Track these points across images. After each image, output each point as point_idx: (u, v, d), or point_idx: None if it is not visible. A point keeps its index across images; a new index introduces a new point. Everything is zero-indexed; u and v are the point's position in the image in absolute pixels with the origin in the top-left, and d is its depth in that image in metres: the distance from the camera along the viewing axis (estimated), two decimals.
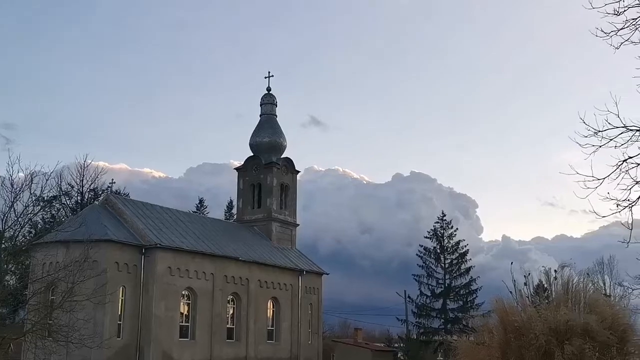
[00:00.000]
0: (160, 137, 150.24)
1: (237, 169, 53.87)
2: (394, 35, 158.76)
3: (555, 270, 16.22)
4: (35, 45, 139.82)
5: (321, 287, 51.53)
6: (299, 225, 53.89)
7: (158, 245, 37.64)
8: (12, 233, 28.45)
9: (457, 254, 58.83)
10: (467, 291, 57.93)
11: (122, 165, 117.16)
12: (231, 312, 42.99)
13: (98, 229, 35.83)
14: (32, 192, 27.85)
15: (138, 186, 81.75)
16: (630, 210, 11.05)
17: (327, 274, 52.97)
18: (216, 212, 68.07)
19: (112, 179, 47.21)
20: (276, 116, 54.96)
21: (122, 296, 36.15)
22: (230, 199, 66.39)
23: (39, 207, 42.58)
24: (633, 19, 10.41)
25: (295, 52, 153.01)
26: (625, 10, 10.36)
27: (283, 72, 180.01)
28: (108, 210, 39.56)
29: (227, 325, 42.28)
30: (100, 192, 51.70)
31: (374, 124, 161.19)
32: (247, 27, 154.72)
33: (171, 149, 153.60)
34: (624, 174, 10.96)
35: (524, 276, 16.33)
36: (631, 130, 10.91)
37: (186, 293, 39.68)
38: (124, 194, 53.72)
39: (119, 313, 35.93)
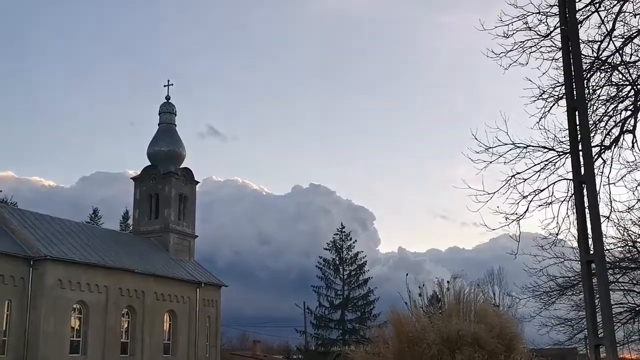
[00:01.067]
0: (49, 144, 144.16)
1: (133, 178, 52.56)
2: (292, 40, 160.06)
3: (448, 281, 16.79)
4: None
5: (220, 300, 50.96)
6: (197, 236, 53.14)
7: (48, 257, 36.14)
8: None
9: (356, 265, 59.72)
10: (365, 302, 58.84)
11: (8, 173, 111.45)
12: (126, 325, 41.75)
13: None
14: None
15: (26, 195, 77.87)
16: (518, 223, 11.55)
17: (226, 286, 52.46)
18: (111, 223, 66.07)
19: None
20: (175, 125, 54.12)
21: (7, 311, 34.48)
22: (126, 210, 64.77)
23: None
24: (520, 42, 10.97)
25: (193, 60, 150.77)
26: (513, 34, 10.90)
27: (180, 80, 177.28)
28: None
29: (122, 340, 41.02)
30: None
31: (272, 134, 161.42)
32: (143, 33, 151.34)
33: (61, 157, 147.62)
34: (512, 188, 11.46)
35: (419, 287, 16.80)
36: (519, 147, 11.43)
37: (77, 307, 38.29)
38: (11, 203, 51.11)
39: (4, 329, 34.23)
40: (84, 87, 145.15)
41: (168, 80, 54.26)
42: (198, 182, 54.37)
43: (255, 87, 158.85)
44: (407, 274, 16.94)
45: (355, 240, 61.05)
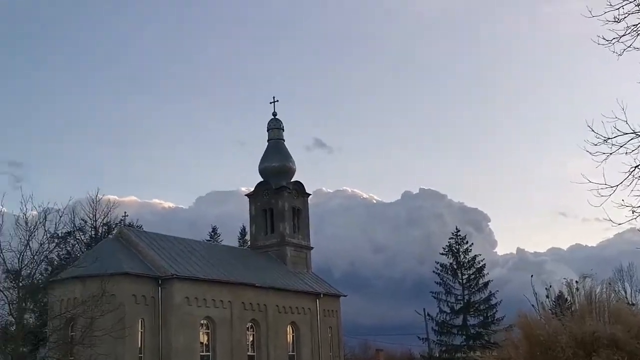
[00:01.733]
0: (167, 168, 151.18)
1: (248, 195, 53.93)
2: (393, 53, 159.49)
3: (577, 281, 16.08)
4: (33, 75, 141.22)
5: (339, 309, 51.24)
6: (313, 248, 53.77)
7: (174, 275, 37.59)
8: (29, 271, 28.63)
9: (474, 269, 58.45)
10: (486, 306, 57.46)
11: (131, 198, 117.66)
12: (251, 339, 42.76)
13: (113, 262, 35.91)
14: (46, 229, 28.10)
15: (148, 218, 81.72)
16: None
17: (345, 296, 52.71)
18: (229, 239, 68.03)
19: (125, 212, 47.50)
20: (284, 140, 55.13)
21: (141, 329, 36.00)
22: (243, 226, 66.37)
23: (54, 244, 42.86)
24: (634, 25, 10.42)
25: (294, 76, 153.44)
26: (625, 17, 10.37)
27: (284, 97, 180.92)
28: (122, 243, 39.64)
29: (248, 353, 42.03)
30: (113, 226, 51.80)
31: (378, 142, 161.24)
32: (244, 55, 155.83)
33: (178, 180, 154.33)
34: (636, 180, 10.88)
35: (545, 288, 16.19)
36: None
37: (205, 322, 39.52)
38: (137, 226, 53.80)
39: (139, 346, 35.74)
40: (192, 109, 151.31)
41: (274, 97, 55.32)
42: (309, 195, 55.11)
43: (357, 95, 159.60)
44: (531, 276, 16.40)
45: (472, 244, 59.84)
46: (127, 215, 48.31)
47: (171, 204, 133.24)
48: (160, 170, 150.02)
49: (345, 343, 63.23)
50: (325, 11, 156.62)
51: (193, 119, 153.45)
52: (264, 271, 46.72)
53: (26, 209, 27.68)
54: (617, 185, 10.94)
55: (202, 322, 39.23)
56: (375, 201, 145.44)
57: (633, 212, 10.96)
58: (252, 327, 42.81)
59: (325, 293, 49.58)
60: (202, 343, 39.18)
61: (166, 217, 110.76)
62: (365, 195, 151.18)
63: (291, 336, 46.20)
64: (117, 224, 50.46)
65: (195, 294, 38.67)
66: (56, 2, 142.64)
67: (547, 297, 16.02)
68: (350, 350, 73.19)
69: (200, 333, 39.17)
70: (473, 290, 58.01)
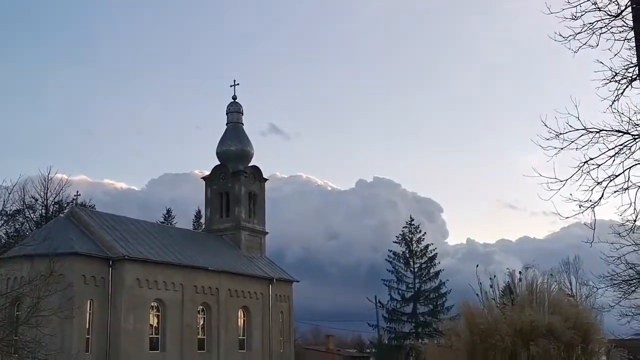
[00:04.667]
0: (118, 148, 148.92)
1: (204, 178, 53.53)
2: (350, 41, 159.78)
3: (520, 272, 16.41)
4: None
5: (292, 295, 51.39)
6: (267, 233, 53.70)
7: (126, 257, 37.16)
8: None
9: (426, 258, 59.09)
10: (436, 295, 58.19)
11: (81, 177, 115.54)
12: (201, 322, 42.57)
13: (64, 242, 35.28)
14: None
15: (100, 198, 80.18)
16: (593, 210, 11.19)
17: (298, 281, 52.87)
18: (183, 222, 67.50)
19: (77, 191, 46.42)
20: (242, 124, 54.81)
21: (89, 310, 35.54)
22: (198, 209, 65.97)
23: (2, 222, 41.95)
24: (590, 24, 10.59)
25: (251, 61, 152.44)
26: (582, 15, 10.53)
27: (240, 81, 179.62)
28: (74, 223, 38.97)
29: (198, 336, 41.85)
30: (65, 205, 50.86)
31: (334, 130, 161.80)
32: (200, 38, 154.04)
33: (130, 161, 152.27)
34: (585, 175, 11.10)
35: (490, 278, 16.47)
36: (591, 132, 11.05)
37: (155, 305, 39.21)
38: (90, 206, 52.92)
39: (87, 327, 35.30)
40: (148, 92, 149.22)
41: (234, 80, 54.93)
42: (266, 180, 54.94)
43: (313, 83, 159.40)
44: (477, 265, 16.63)
45: (425, 233, 60.45)
46: (80, 195, 47.46)
47: (123, 185, 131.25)
48: (111, 150, 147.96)
49: (297, 328, 63.68)
50: None
51: (146, 101, 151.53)
52: (218, 255, 46.51)
53: None
54: (567, 180, 11.14)
55: (152, 304, 38.91)
56: (330, 188, 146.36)
57: (580, 206, 11.17)
58: (203, 310, 42.62)
59: (278, 278, 49.62)
60: (151, 325, 38.86)
61: (118, 197, 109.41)
62: (320, 182, 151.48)
63: (242, 320, 46.15)
64: (68, 203, 49.60)
65: (146, 275, 38.31)
66: None
67: (491, 287, 16.32)
68: (301, 335, 73.76)
69: (150, 315, 38.85)
70: (424, 279, 58.66)
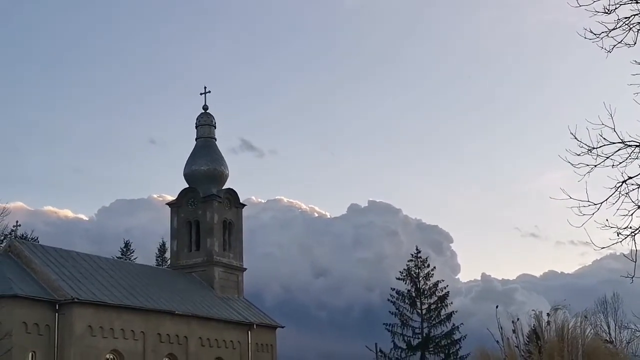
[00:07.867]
0: (62, 171, 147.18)
1: (169, 204, 53.42)
2: (351, 38, 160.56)
3: (548, 314, 16.33)
4: None
5: (275, 343, 51.09)
6: (246, 269, 53.48)
7: (75, 299, 36.92)
8: None
9: (436, 297, 58.90)
10: (448, 342, 57.96)
11: (18, 204, 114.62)
12: None
13: (1, 283, 35.14)
14: None
15: (42, 229, 79.50)
16: (633, 239, 11.09)
17: (282, 327, 52.55)
18: (145, 257, 67.12)
19: (17, 221, 46.07)
20: (215, 139, 54.78)
21: None
22: (162, 241, 65.67)
23: None
24: (626, 18, 10.58)
25: (217, 66, 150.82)
26: (616, 8, 10.53)
27: (205, 89, 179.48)
28: (12, 259, 38.76)
29: None
30: (1, 238, 50.40)
31: (319, 146, 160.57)
32: (162, 42, 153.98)
33: (74, 184, 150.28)
34: (623, 197, 11.02)
35: (512, 322, 16.36)
36: (630, 146, 10.98)
37: (111, 357, 38.95)
38: (32, 239, 52.54)
39: None
40: (90, 103, 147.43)
41: (205, 87, 55.07)
42: (244, 205, 54.84)
43: (291, 93, 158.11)
44: (497, 307, 16.53)
45: (434, 268, 60.32)
46: (20, 225, 47.16)
47: (68, 213, 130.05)
48: (53, 173, 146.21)
49: None
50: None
51: (89, 113, 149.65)
52: (186, 296, 46.26)
53: None
54: (602, 203, 11.04)
55: (107, 356, 38.61)
56: (316, 214, 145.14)
57: (618, 234, 11.05)
58: None
59: (259, 323, 49.37)
60: None
61: (63, 228, 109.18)
62: (304, 207, 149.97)
63: None
64: (6, 235, 49.15)
65: (100, 322, 38.05)
66: None
67: (514, 331, 16.20)
68: None
69: None
70: (434, 322, 58.44)
